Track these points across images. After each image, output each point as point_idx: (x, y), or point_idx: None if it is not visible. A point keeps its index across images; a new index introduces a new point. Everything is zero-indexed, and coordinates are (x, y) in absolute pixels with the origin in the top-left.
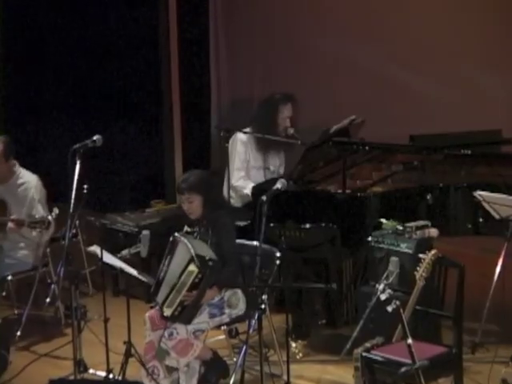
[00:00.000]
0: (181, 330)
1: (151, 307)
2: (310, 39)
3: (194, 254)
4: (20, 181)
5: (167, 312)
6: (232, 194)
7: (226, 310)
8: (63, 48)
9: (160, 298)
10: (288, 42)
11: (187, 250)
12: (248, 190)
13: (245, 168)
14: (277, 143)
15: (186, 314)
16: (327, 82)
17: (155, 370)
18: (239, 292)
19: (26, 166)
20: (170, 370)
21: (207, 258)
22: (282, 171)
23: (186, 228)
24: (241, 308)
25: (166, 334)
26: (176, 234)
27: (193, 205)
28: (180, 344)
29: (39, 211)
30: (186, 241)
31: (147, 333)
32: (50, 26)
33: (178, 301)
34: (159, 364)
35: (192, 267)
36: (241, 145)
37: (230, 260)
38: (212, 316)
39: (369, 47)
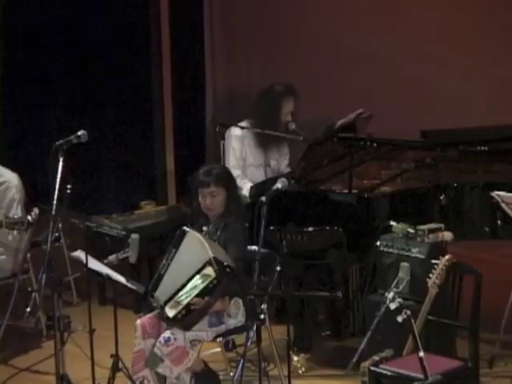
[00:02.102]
0: (178, 337)
1: (140, 317)
2: (312, 27)
3: (212, 257)
4: (0, 179)
5: (170, 313)
6: None
7: (225, 320)
8: (49, 42)
9: (161, 295)
10: (288, 30)
11: (203, 249)
12: (245, 191)
13: (241, 166)
14: (278, 137)
15: (188, 319)
16: (331, 73)
17: (145, 380)
18: (240, 302)
19: (3, 163)
20: (161, 381)
21: (225, 264)
22: (283, 166)
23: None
24: (240, 319)
25: (161, 340)
26: (185, 228)
27: (216, 199)
28: (176, 351)
29: (18, 213)
30: (201, 239)
31: (137, 341)
32: (37, 20)
33: (184, 303)
34: (149, 374)
35: (209, 271)
36: (235, 140)
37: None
38: (211, 325)
39: (377, 36)
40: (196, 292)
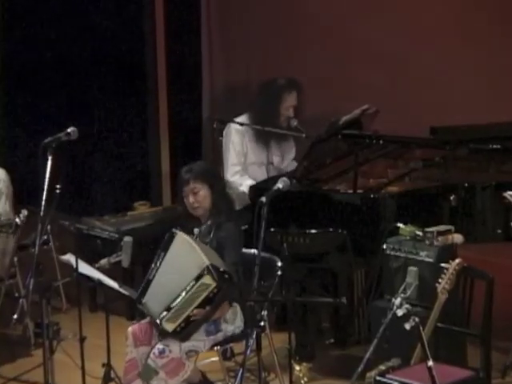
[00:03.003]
0: (174, 348)
1: (133, 324)
2: (315, 16)
3: (209, 264)
4: None
5: (168, 327)
6: None
7: (223, 326)
8: (40, 40)
9: (152, 303)
10: (290, 20)
11: (195, 255)
12: (245, 187)
13: (241, 163)
14: (278, 134)
15: (188, 330)
16: (336, 66)
17: None
18: (237, 306)
19: None
20: None
21: (222, 269)
22: (288, 160)
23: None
24: (237, 325)
25: (156, 351)
26: (174, 230)
27: (199, 196)
28: (172, 363)
29: (6, 208)
30: (192, 243)
31: (129, 349)
32: (33, 16)
33: (184, 316)
34: None
35: (208, 279)
36: (236, 134)
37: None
38: (208, 334)
39: (384, 26)
40: (196, 303)
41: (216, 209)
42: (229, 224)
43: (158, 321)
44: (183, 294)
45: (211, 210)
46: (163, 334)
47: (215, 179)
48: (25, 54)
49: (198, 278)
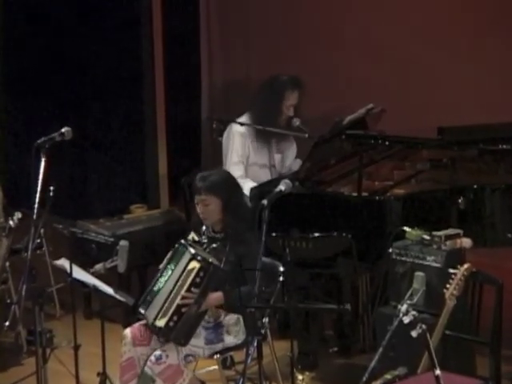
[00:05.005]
0: (171, 353)
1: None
2: (316, 16)
3: (194, 253)
4: None
5: (160, 322)
6: None
7: (225, 337)
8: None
9: (150, 312)
10: (292, 16)
11: (188, 254)
12: (246, 191)
13: (243, 164)
14: (278, 134)
15: (182, 326)
16: (338, 65)
17: None
18: (242, 320)
19: None
20: None
21: (210, 260)
22: (291, 158)
23: (192, 235)
24: (240, 338)
25: (152, 358)
26: (182, 241)
27: (208, 208)
28: (169, 370)
29: None
30: (189, 248)
31: (126, 348)
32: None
33: (174, 306)
34: None
35: (193, 264)
36: (239, 137)
37: (249, 281)
38: (208, 342)
39: (387, 23)
40: (183, 290)
41: (228, 225)
42: (247, 238)
43: (151, 321)
44: (172, 289)
45: (224, 224)
46: (162, 335)
47: (231, 194)
48: (21, 56)
49: (184, 268)
